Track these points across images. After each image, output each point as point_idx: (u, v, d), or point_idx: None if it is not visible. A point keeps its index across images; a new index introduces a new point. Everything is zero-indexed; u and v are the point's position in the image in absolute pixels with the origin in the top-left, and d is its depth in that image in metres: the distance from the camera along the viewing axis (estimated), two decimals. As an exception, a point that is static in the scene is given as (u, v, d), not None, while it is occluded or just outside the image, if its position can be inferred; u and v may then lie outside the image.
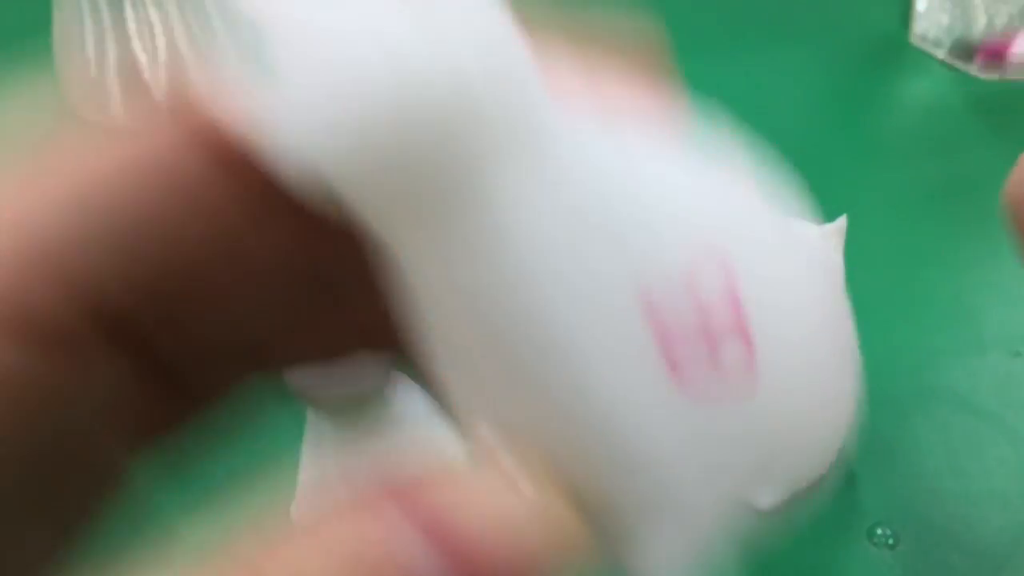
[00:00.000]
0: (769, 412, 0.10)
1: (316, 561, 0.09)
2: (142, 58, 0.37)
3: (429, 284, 0.09)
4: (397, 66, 0.08)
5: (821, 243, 0.11)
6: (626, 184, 0.10)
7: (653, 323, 0.09)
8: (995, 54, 0.52)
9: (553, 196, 0.09)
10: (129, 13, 0.43)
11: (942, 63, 0.59)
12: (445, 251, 0.09)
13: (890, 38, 0.63)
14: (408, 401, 0.27)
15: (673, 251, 0.09)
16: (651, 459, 0.10)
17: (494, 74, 0.08)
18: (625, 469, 0.10)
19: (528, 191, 0.09)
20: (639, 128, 0.10)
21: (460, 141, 0.08)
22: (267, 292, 0.10)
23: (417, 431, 0.28)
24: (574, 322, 0.09)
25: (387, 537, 0.09)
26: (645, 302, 0.09)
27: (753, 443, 0.10)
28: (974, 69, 0.57)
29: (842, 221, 0.27)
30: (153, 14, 0.45)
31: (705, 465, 0.10)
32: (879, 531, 0.30)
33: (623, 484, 0.10)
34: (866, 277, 0.41)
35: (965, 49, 0.58)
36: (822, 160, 0.51)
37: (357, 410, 0.25)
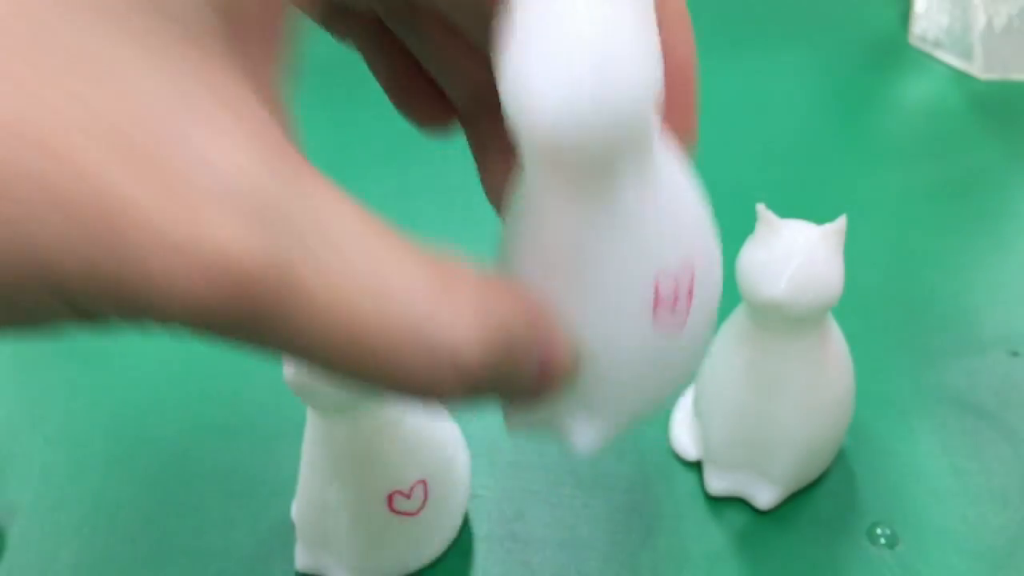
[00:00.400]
0: (688, 341, 0.18)
1: (505, 304, 0.13)
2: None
3: (553, 196, 0.15)
4: (623, 81, 0.12)
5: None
6: (668, 204, 0.16)
7: (655, 295, 0.16)
8: None
9: (640, 196, 0.15)
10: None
11: (942, 63, 0.59)
12: (576, 193, 0.14)
13: (890, 38, 0.63)
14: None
15: (676, 258, 0.16)
16: (626, 353, 0.17)
17: (650, 100, 0.13)
18: (610, 356, 0.17)
19: (629, 183, 0.15)
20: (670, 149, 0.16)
21: (624, 140, 0.13)
22: None
23: (415, 430, 0.28)
24: (618, 270, 0.16)
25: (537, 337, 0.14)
26: (655, 284, 0.16)
27: (677, 356, 0.18)
28: (974, 69, 0.57)
29: (842, 221, 0.27)
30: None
31: (652, 368, 0.18)
32: (878, 531, 0.30)
33: (603, 364, 0.17)
34: (866, 277, 0.41)
35: (964, 49, 0.58)
36: (822, 160, 0.51)
37: (355, 407, 0.25)
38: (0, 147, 0.09)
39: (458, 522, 0.30)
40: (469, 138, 0.18)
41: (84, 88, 0.09)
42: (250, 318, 0.10)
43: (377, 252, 0.11)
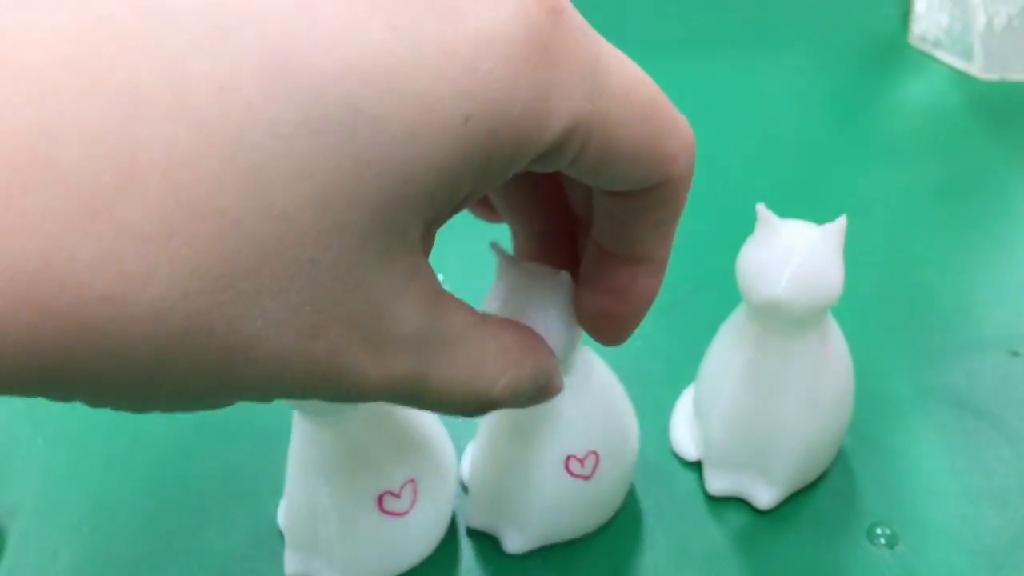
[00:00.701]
0: (598, 487, 0.28)
1: (531, 359, 0.21)
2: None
3: None
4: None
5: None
6: (588, 407, 0.28)
7: (567, 463, 0.28)
8: None
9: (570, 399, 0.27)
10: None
11: (942, 63, 0.59)
12: None
13: (890, 38, 0.63)
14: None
15: (583, 443, 0.28)
16: (549, 499, 0.28)
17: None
18: (534, 491, 0.28)
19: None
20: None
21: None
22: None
23: (403, 429, 0.28)
24: (539, 443, 0.27)
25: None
26: (567, 457, 0.28)
27: (588, 497, 0.29)
28: (974, 69, 0.57)
29: (842, 221, 0.27)
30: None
31: (565, 502, 0.28)
32: (878, 531, 0.30)
33: (530, 496, 0.28)
34: (866, 277, 0.41)
35: (964, 49, 0.58)
36: (822, 160, 0.51)
37: (342, 409, 0.25)
38: (301, 346, 0.16)
39: (447, 520, 0.30)
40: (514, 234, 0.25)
41: (341, 294, 0.16)
42: (396, 399, 0.18)
43: (468, 351, 0.19)
